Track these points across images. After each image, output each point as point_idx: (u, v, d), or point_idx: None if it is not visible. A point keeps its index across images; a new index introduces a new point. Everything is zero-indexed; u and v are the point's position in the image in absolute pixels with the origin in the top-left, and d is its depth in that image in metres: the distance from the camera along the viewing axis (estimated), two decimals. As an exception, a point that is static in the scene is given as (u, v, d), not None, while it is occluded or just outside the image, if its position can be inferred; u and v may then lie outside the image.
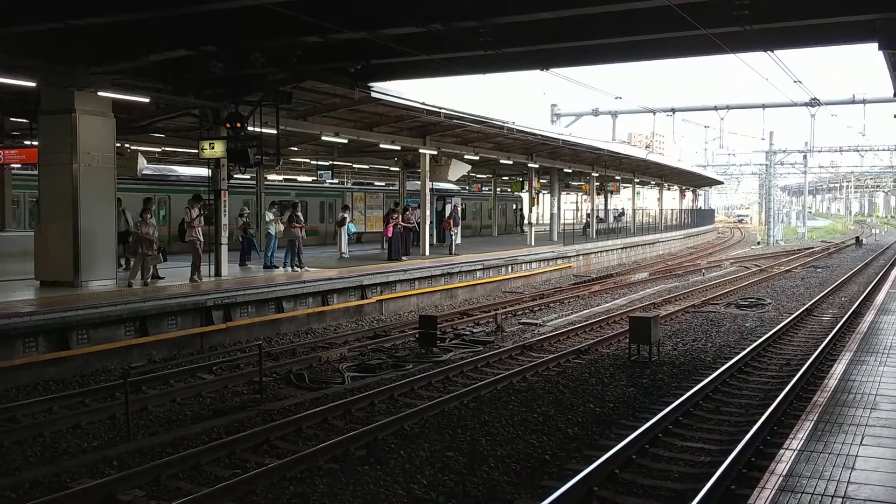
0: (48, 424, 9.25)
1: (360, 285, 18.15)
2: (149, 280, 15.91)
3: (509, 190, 43.77)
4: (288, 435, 8.98)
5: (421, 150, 24.68)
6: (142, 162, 21.87)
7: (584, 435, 9.20)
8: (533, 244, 31.09)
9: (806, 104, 32.09)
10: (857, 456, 6.15)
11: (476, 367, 12.74)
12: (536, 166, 32.31)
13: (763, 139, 54.74)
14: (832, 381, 8.72)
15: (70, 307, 12.43)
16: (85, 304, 12.80)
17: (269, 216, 20.70)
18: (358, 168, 38.26)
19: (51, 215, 15.26)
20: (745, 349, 13.69)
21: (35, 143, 16.31)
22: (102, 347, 12.46)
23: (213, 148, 16.40)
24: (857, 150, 59.60)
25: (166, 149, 27.06)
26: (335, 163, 32.43)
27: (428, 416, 9.73)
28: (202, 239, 16.88)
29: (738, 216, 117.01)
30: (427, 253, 25.11)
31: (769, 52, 13.26)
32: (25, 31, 12.39)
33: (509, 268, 24.87)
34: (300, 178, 40.15)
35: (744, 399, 10.80)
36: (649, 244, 41.26)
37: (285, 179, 38.91)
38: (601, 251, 33.65)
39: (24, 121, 17.75)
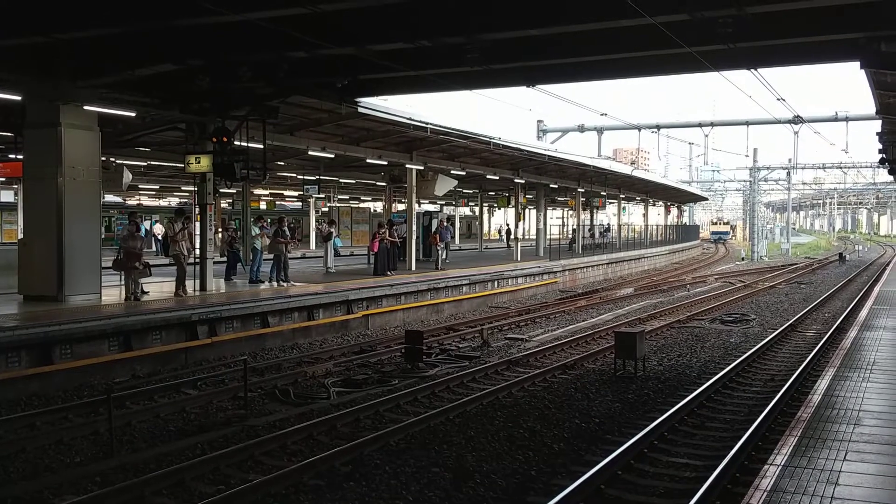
0: (30, 440, 9.16)
1: (346, 300, 18.10)
2: (139, 294, 15.77)
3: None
4: (273, 451, 8.92)
5: (408, 166, 24.71)
6: (127, 176, 21.81)
7: (570, 450, 9.20)
8: (519, 259, 31.15)
9: (789, 121, 32.28)
10: (840, 471, 6.17)
11: (462, 382, 12.71)
12: (523, 182, 32.44)
13: (747, 156, 55.11)
14: (816, 397, 8.76)
15: (53, 322, 12.32)
16: (68, 318, 12.70)
17: (256, 230, 20.66)
18: (345, 183, 38.21)
19: (35, 229, 15.16)
20: (729, 365, 13.74)
21: (20, 156, 16.22)
22: (86, 362, 12.36)
23: (199, 162, 16.37)
24: (841, 167, 60.10)
25: (152, 163, 26.95)
26: (322, 177, 32.47)
27: (413, 431, 9.70)
28: (186, 253, 16.81)
29: (715, 234, 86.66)
30: (413, 268, 25.10)
31: (752, 69, 13.39)
32: (10, 45, 12.36)
33: (496, 283, 24.89)
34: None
35: (728, 414, 10.84)
36: (635, 259, 41.40)
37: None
38: (587, 266, 33.75)
39: (9, 134, 17.65)
